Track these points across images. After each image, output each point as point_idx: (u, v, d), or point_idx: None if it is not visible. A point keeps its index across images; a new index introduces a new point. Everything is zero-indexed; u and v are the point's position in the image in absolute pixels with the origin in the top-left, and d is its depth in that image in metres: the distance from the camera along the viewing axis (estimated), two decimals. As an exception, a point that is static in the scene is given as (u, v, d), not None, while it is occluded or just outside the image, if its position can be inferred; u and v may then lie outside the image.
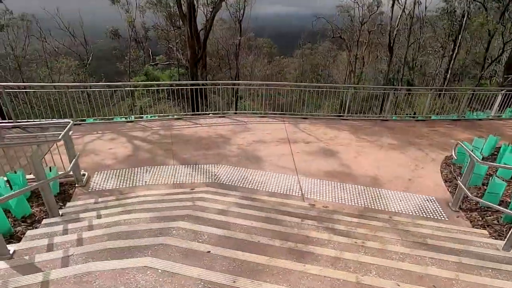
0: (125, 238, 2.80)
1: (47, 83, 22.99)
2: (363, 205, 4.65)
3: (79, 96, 7.93)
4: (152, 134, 7.04)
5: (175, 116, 8.27)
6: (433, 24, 23.41)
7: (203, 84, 9.78)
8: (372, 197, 4.88)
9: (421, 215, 4.46)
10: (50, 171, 4.54)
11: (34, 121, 7.12)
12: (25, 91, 7.37)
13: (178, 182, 5.06)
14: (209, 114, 8.79)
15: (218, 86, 8.44)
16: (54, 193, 4.58)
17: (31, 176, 4.64)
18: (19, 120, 7.04)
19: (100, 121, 7.80)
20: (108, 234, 2.87)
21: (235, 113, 9.23)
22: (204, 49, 14.13)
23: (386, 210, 4.57)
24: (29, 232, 3.08)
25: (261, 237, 2.99)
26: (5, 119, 7.16)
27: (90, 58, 27.30)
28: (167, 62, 27.19)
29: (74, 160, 4.59)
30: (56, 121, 4.81)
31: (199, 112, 8.72)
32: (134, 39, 26.91)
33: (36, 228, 3.41)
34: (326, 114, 9.49)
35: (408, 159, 6.23)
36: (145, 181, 5.04)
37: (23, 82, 22.63)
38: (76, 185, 4.81)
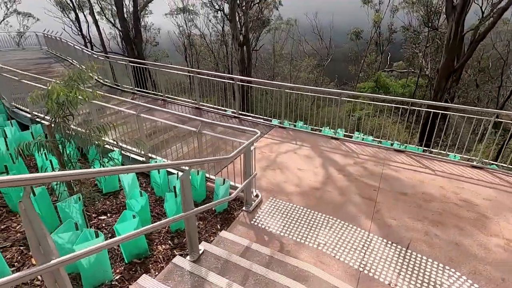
0: None
1: (289, 77, 26.57)
2: None
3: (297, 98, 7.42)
4: (355, 164, 5.20)
5: (394, 146, 5.90)
6: None
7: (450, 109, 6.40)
8: None
9: None
10: (223, 183, 3.92)
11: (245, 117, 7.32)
12: (250, 85, 7.81)
13: (364, 273, 2.99)
14: (450, 155, 5.66)
15: (493, 119, 4.96)
16: (221, 209, 3.95)
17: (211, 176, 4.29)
18: (240, 113, 7.48)
19: (306, 129, 6.92)
20: None
21: (497, 165, 5.42)
22: (469, 56, 9.93)
23: None
24: (141, 281, 2.30)
25: None
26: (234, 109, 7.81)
27: (329, 59, 28.74)
28: (404, 70, 23.60)
29: (247, 181, 3.69)
30: (249, 129, 4.12)
31: (432, 150, 5.78)
32: (375, 42, 25.21)
33: (159, 270, 2.66)
34: None
35: None
36: (318, 243, 3.38)
37: (273, 75, 27.41)
38: (244, 208, 3.96)
